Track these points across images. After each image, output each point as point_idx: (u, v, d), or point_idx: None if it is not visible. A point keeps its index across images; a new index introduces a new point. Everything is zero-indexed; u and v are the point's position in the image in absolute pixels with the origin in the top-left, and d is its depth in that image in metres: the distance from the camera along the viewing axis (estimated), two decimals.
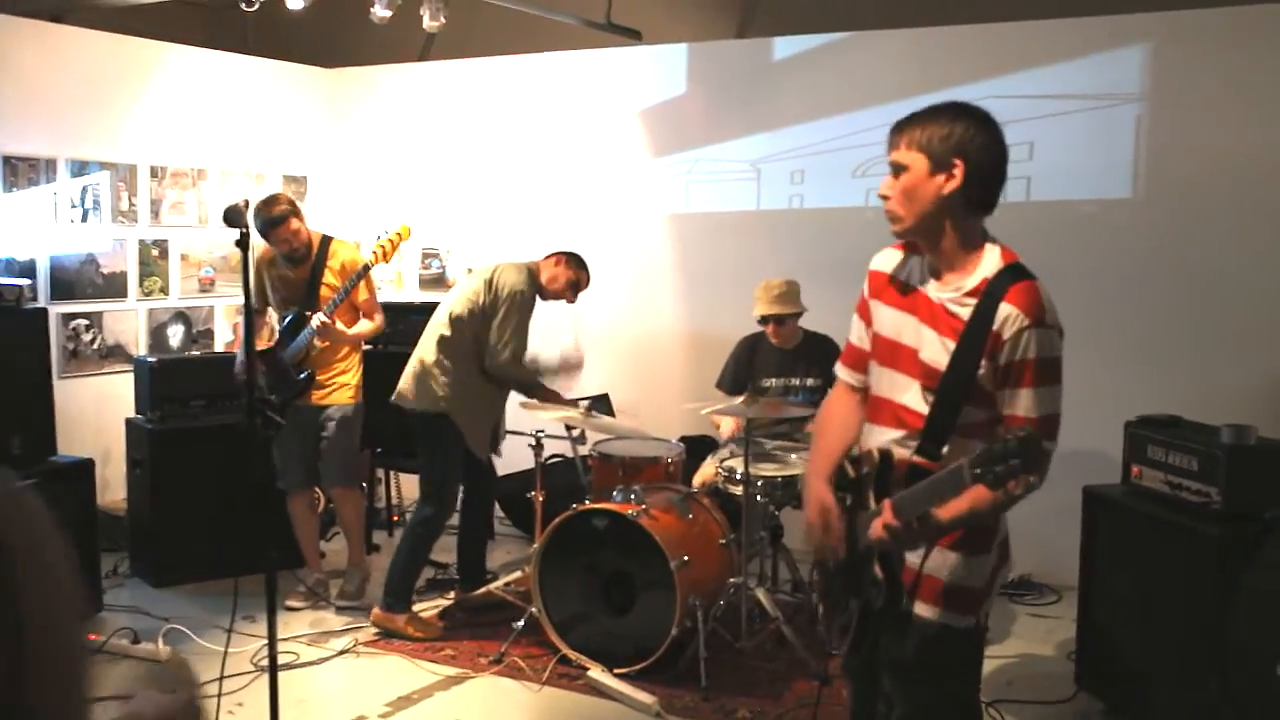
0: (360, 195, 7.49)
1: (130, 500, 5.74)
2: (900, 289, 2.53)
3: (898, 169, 2.41)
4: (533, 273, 4.99)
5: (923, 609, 2.47)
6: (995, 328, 2.31)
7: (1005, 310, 2.31)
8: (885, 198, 2.44)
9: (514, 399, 5.13)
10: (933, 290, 2.45)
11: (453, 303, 5.02)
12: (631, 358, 6.71)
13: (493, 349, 4.84)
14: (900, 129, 2.42)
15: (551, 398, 4.99)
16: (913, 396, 2.46)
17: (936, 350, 2.41)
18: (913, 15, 5.95)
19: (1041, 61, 5.66)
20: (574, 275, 5.06)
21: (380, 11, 5.62)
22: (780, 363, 5.33)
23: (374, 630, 4.93)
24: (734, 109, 6.43)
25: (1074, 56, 5.59)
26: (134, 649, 4.63)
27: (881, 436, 2.53)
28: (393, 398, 5.02)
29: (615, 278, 6.67)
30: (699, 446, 5.70)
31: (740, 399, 4.73)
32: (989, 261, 2.39)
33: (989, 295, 2.34)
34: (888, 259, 2.59)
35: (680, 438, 5.65)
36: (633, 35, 6.65)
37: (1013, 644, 4.88)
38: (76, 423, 5.88)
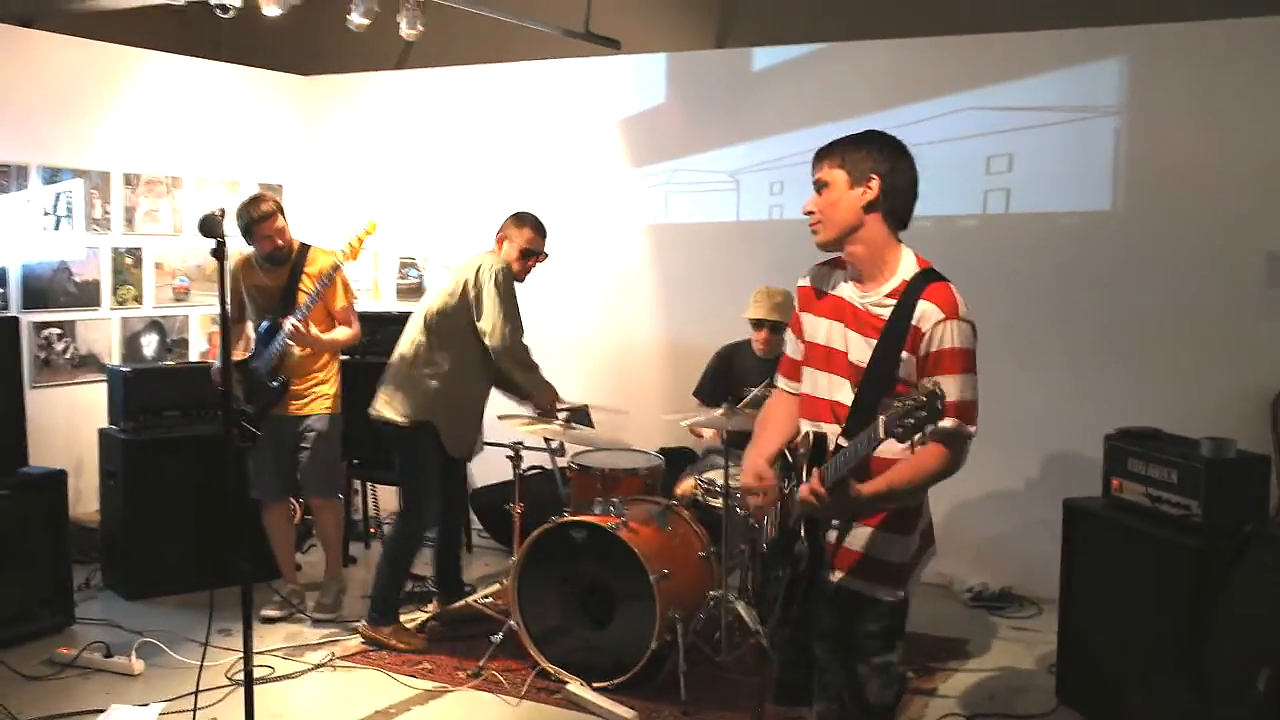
0: (337, 204, 7.44)
1: (103, 512, 5.67)
2: (825, 298, 2.79)
3: (820, 186, 2.68)
4: (500, 257, 4.89)
5: (852, 582, 2.71)
6: (914, 322, 2.56)
7: (923, 306, 2.56)
8: (810, 213, 2.71)
9: (491, 412, 5.09)
10: (857, 297, 2.70)
11: (426, 307, 4.93)
12: (610, 368, 6.69)
13: (491, 331, 4.70)
14: (822, 155, 2.70)
15: (547, 392, 4.93)
16: (845, 394, 2.70)
17: (862, 350, 2.66)
18: (891, 27, 5.96)
19: (1019, 74, 5.67)
20: (524, 239, 4.88)
21: (357, 19, 5.58)
22: (761, 371, 5.30)
23: (356, 642, 4.90)
24: (713, 119, 6.42)
25: (1051, 69, 5.61)
26: (107, 663, 4.58)
27: (816, 427, 2.77)
28: (370, 416, 4.94)
29: (594, 288, 6.65)
30: (678, 458, 5.69)
31: (719, 411, 4.70)
32: (906, 266, 2.66)
33: (907, 295, 2.60)
34: (810, 273, 2.86)
35: (659, 449, 5.63)
36: (612, 44, 6.64)
37: (994, 657, 4.87)
38: (48, 433, 5.80)
